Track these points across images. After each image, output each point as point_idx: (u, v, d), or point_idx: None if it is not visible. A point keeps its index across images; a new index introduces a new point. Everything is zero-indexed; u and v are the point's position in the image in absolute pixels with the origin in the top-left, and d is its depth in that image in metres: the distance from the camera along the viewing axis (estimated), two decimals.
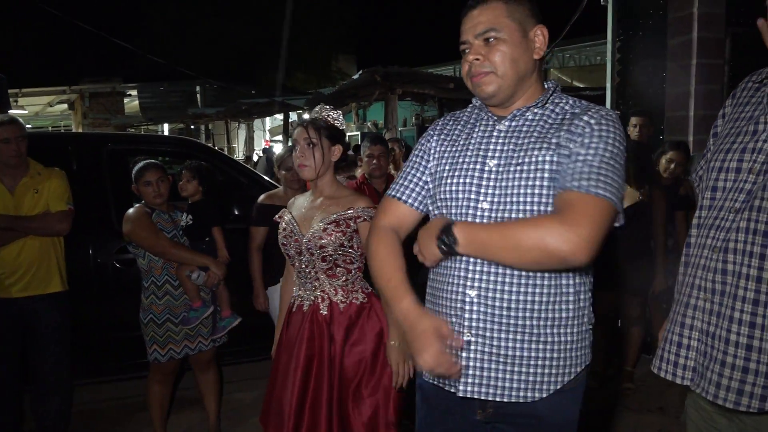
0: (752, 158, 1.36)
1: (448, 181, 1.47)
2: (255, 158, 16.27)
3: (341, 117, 2.35)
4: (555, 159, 1.35)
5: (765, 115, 1.38)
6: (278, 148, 17.16)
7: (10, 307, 2.90)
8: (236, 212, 3.63)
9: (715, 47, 4.87)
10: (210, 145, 19.28)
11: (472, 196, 1.42)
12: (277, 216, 2.39)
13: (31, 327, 2.97)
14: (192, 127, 20.40)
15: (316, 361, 2.17)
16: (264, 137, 21.37)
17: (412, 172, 1.57)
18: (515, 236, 1.29)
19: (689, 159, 4.12)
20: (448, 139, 1.54)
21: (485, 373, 1.42)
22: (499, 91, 1.42)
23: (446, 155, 1.52)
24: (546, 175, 1.36)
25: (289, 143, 14.89)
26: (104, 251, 3.35)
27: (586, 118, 1.37)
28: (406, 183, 1.57)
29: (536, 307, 1.40)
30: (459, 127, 1.56)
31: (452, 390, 1.46)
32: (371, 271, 1.56)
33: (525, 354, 1.40)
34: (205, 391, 3.25)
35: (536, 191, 1.36)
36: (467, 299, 1.42)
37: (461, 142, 1.51)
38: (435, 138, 1.58)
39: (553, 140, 1.38)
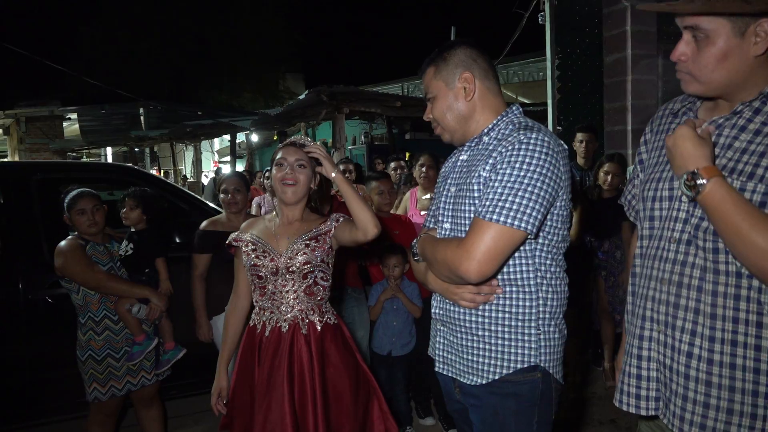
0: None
1: (434, 204, 1.81)
2: (204, 180, 15.97)
3: (321, 149, 2.30)
4: (478, 187, 1.57)
5: None
6: (227, 170, 16.91)
7: None
8: (177, 240, 3.50)
9: (648, 64, 5.05)
10: (155, 168, 18.92)
11: (441, 218, 1.72)
12: (231, 239, 2.28)
13: None
14: (136, 150, 19.88)
15: (297, 380, 2.11)
16: (212, 158, 21.01)
17: (433, 204, 1.87)
18: (435, 252, 1.61)
19: (626, 170, 4.24)
20: (444, 171, 1.83)
21: (448, 356, 1.71)
22: (452, 136, 1.73)
23: (439, 184, 1.82)
24: (470, 201, 1.58)
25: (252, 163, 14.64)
26: (35, 286, 3.16)
27: (500, 147, 1.55)
28: (431, 213, 1.86)
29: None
30: (452, 160, 1.82)
31: (435, 367, 1.76)
32: (414, 274, 1.86)
33: (467, 344, 1.63)
34: (149, 429, 3.10)
35: (468, 215, 1.59)
36: (436, 294, 1.72)
37: (445, 173, 1.80)
38: (442, 171, 1.87)
39: (479, 168, 1.58)
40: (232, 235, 2.30)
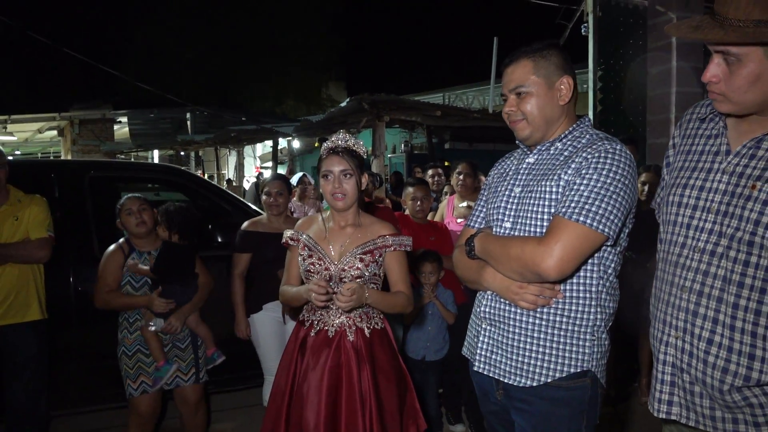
0: (708, 197, 1.41)
1: (489, 205, 1.81)
2: (246, 185, 16.29)
3: (363, 145, 2.31)
4: (557, 189, 1.59)
5: (718, 154, 1.43)
6: (269, 175, 17.19)
7: None
8: (219, 239, 3.62)
9: (693, 76, 4.98)
10: (200, 171, 19.39)
11: (500, 216, 1.73)
12: (288, 237, 2.30)
13: (7, 356, 2.92)
14: (182, 153, 20.44)
15: (346, 387, 2.12)
16: (254, 164, 21.42)
17: (479, 204, 1.91)
18: (507, 248, 1.60)
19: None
20: (499, 172, 1.87)
21: (493, 357, 1.70)
22: (531, 135, 1.71)
23: (493, 185, 1.85)
24: (546, 202, 1.60)
25: (297, 170, 14.90)
26: (85, 279, 3.32)
27: (585, 153, 1.58)
28: (476, 214, 1.91)
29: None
30: (509, 161, 1.87)
31: (474, 367, 1.75)
32: (460, 272, 1.84)
33: (519, 345, 1.63)
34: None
35: (540, 216, 1.61)
36: (487, 294, 1.72)
37: (504, 173, 1.83)
38: (492, 173, 1.91)
39: (558, 171, 1.61)
40: (288, 233, 2.31)
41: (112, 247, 2.99)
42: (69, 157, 16.87)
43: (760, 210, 1.29)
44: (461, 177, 3.98)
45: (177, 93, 16.85)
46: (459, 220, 3.90)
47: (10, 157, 3.13)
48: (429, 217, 3.96)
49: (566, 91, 1.67)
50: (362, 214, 2.31)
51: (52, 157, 20.96)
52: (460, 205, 3.96)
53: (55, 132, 19.57)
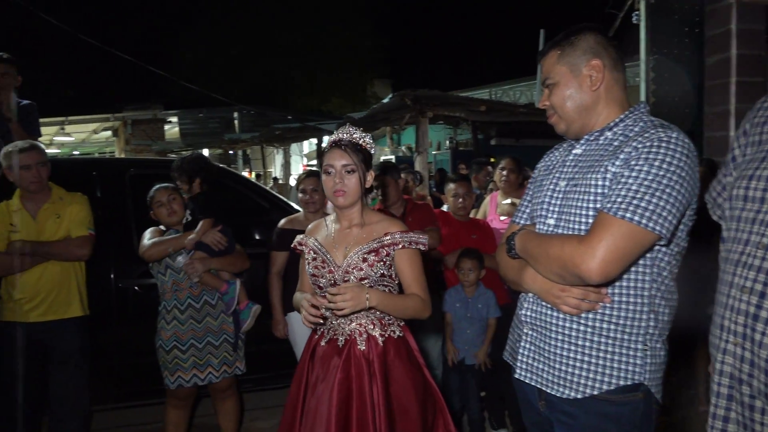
0: None
1: (534, 200, 1.69)
2: (292, 182, 16.44)
3: (371, 139, 2.18)
4: (603, 182, 1.45)
5: None
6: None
7: (30, 331, 2.90)
8: (257, 236, 3.60)
9: (755, 65, 4.67)
10: (247, 170, 19.70)
11: (543, 213, 1.61)
12: (296, 242, 2.22)
13: (51, 351, 2.96)
14: (230, 152, 20.78)
15: (357, 401, 1.96)
16: (301, 162, 21.62)
17: (525, 199, 1.79)
18: (546, 248, 1.47)
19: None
20: (546, 164, 1.74)
21: (535, 364, 1.58)
22: (568, 128, 1.60)
23: (539, 178, 1.72)
24: (592, 197, 1.47)
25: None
26: (126, 276, 3.35)
27: (635, 143, 1.43)
28: (521, 209, 1.79)
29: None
30: (557, 152, 1.74)
31: (515, 374, 1.64)
32: (502, 272, 1.74)
33: (562, 354, 1.50)
34: (223, 421, 3.21)
35: (585, 212, 1.48)
36: (528, 296, 1.61)
37: (550, 166, 1.70)
38: (539, 166, 1.79)
39: (605, 163, 1.46)
40: (298, 238, 2.24)
41: (150, 228, 3.08)
42: (123, 157, 17.39)
43: None
44: (505, 173, 3.86)
45: (225, 93, 17.12)
46: (502, 218, 3.77)
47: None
48: (471, 215, 3.85)
49: (597, 75, 1.53)
50: (369, 212, 2.16)
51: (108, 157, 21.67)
52: (504, 202, 3.83)
53: (109, 132, 20.20)
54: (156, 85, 19.21)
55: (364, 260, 2.02)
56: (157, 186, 3.10)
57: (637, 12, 5.36)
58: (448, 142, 14.92)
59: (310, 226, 2.30)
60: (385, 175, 3.53)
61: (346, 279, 2.03)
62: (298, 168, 21.05)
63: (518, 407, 3.35)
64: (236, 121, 19.50)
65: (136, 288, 3.37)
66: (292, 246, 2.27)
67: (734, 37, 4.68)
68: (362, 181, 2.05)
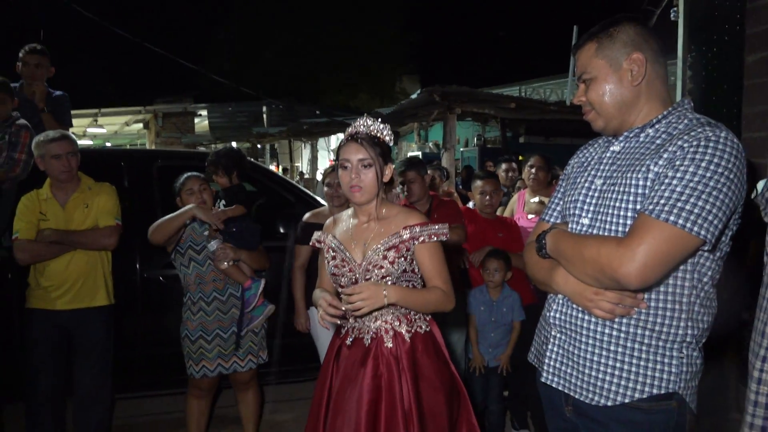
0: None
1: (567, 197, 1.61)
2: (319, 177, 16.51)
3: (390, 132, 2.09)
4: (644, 183, 1.38)
5: None
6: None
7: (56, 319, 2.94)
8: (281, 230, 3.59)
9: None
10: (274, 164, 19.82)
11: (576, 212, 1.54)
12: (315, 240, 2.17)
13: (76, 339, 2.99)
14: (259, 146, 20.96)
15: (386, 401, 1.90)
16: (328, 157, 21.71)
17: (557, 196, 1.72)
18: (581, 248, 1.40)
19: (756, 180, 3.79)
20: (580, 161, 1.66)
21: (562, 368, 1.52)
22: (606, 124, 1.52)
23: (572, 175, 1.64)
24: (632, 197, 1.39)
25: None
26: (151, 266, 3.37)
27: (680, 141, 1.35)
28: (552, 207, 1.72)
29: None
30: (592, 148, 1.66)
31: (542, 377, 1.58)
32: (530, 271, 1.67)
33: (593, 359, 1.45)
34: (244, 412, 3.21)
35: (624, 213, 1.41)
36: (558, 297, 1.55)
37: (585, 163, 1.63)
38: (572, 162, 1.71)
39: (647, 162, 1.39)
40: (316, 235, 2.18)
41: None
42: (150, 148, 17.65)
43: None
44: (533, 170, 3.78)
45: (254, 88, 17.27)
46: (530, 216, 3.70)
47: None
48: (498, 213, 3.78)
49: (638, 70, 1.45)
50: (387, 205, 2.08)
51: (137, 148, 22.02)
52: (532, 201, 3.76)
53: (141, 125, 20.54)
54: (187, 79, 19.46)
55: (385, 257, 1.95)
56: (189, 174, 3.10)
57: (675, 8, 5.21)
58: (475, 139, 14.80)
59: (327, 222, 2.23)
60: (410, 170, 3.49)
61: (367, 278, 1.96)
62: (324, 163, 21.13)
63: (541, 409, 3.29)
64: (264, 115, 19.65)
65: (161, 278, 3.39)
66: (311, 243, 2.22)
67: None
68: (380, 175, 1.98)
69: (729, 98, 4.90)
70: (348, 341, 2.03)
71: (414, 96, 8.94)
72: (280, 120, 18.62)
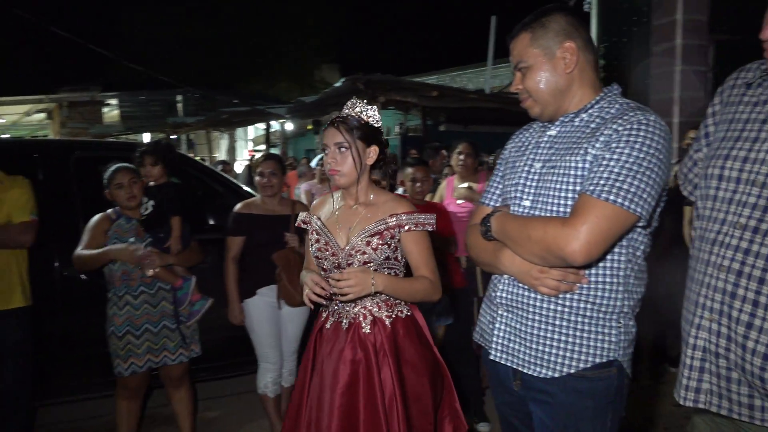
0: (753, 168, 1.29)
1: (506, 181, 1.67)
2: (238, 168, 16.13)
3: (377, 112, 2.07)
4: (583, 165, 1.45)
5: (766, 122, 1.32)
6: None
7: None
8: (211, 222, 3.49)
9: (698, 54, 4.85)
10: (191, 154, 19.16)
11: (518, 194, 1.59)
12: (300, 221, 2.16)
13: None
14: (173, 136, 20.20)
15: (363, 386, 1.90)
16: (246, 147, 21.22)
17: (495, 180, 1.76)
18: (527, 230, 1.46)
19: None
20: (517, 145, 1.72)
21: (510, 345, 1.59)
22: (542, 110, 1.59)
23: (510, 159, 1.70)
24: (571, 179, 1.46)
25: (272, 150, 14.79)
26: (70, 264, 3.17)
27: (614, 125, 1.43)
28: (491, 190, 1.76)
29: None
30: (528, 133, 1.71)
31: (490, 356, 1.63)
32: (474, 254, 1.71)
33: (540, 334, 1.52)
34: (178, 409, 3.11)
35: (564, 194, 1.48)
36: (503, 278, 1.60)
37: (522, 147, 1.68)
38: (509, 146, 1.76)
39: (584, 145, 1.46)
40: (302, 215, 2.17)
41: (98, 215, 2.94)
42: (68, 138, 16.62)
43: None
44: (462, 157, 3.86)
45: (168, 75, 16.56)
46: (459, 201, 3.78)
47: None
48: (427, 198, 3.84)
49: (571, 58, 1.51)
50: (376, 190, 2.07)
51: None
52: (460, 186, 3.84)
53: (43, 115, 19.29)
54: (95, 66, 18.38)
55: (368, 243, 1.95)
56: (118, 166, 2.95)
57: (588, 1, 5.47)
58: (397, 127, 14.93)
59: (315, 202, 2.24)
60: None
61: (349, 263, 1.96)
62: (243, 153, 20.66)
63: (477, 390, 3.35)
64: (179, 105, 18.96)
65: (82, 276, 3.21)
66: (296, 223, 2.20)
67: (679, 27, 4.85)
68: (357, 158, 1.97)
69: (638, 86, 5.21)
70: (327, 325, 2.05)
71: (338, 84, 8.88)
72: (196, 109, 18.04)
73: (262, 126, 18.15)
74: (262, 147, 18.69)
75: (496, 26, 10.60)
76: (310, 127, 14.94)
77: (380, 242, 1.94)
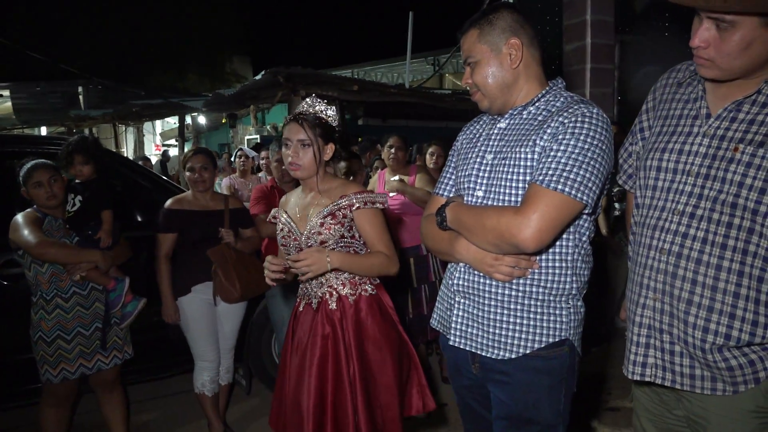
0: (688, 160, 1.42)
1: (459, 172, 1.72)
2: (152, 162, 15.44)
3: (334, 112, 2.23)
4: (532, 156, 1.52)
5: (697, 118, 1.45)
6: (173, 152, 16.33)
7: None
8: (139, 218, 3.36)
9: (607, 53, 5.17)
10: None
11: (471, 185, 1.65)
12: (270, 217, 2.34)
13: None
14: (74, 131, 19.01)
15: (331, 359, 2.07)
16: (155, 141, 20.32)
17: (448, 170, 1.82)
18: (482, 219, 1.52)
19: None
20: (468, 137, 1.78)
21: (469, 330, 1.65)
22: (491, 104, 1.66)
23: (462, 150, 1.76)
24: (521, 170, 1.53)
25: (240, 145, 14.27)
26: None
27: (560, 117, 1.51)
28: (444, 181, 1.82)
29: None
30: (478, 125, 1.78)
31: (449, 341, 1.69)
32: (430, 243, 1.76)
33: (495, 318, 1.59)
34: (111, 415, 2.98)
35: (515, 184, 1.54)
36: (460, 266, 1.66)
37: (473, 138, 1.74)
38: (460, 138, 1.82)
39: (533, 137, 1.53)
40: (273, 212, 2.32)
41: (25, 213, 2.73)
42: None
43: (744, 172, 1.31)
44: (393, 150, 3.93)
45: (69, 64, 15.54)
46: (391, 194, 3.85)
47: None
48: None
49: (516, 53, 1.58)
50: (328, 178, 2.23)
51: None
52: (392, 179, 3.91)
53: None
54: None
55: (322, 224, 2.10)
56: (35, 162, 2.76)
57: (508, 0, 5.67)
58: None
59: (283, 199, 2.36)
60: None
61: (309, 244, 2.10)
62: (151, 148, 19.77)
63: None
64: (81, 97, 17.85)
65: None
66: (267, 219, 2.36)
67: (589, 27, 5.14)
68: (317, 154, 2.13)
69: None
70: (300, 308, 2.23)
71: (258, 77, 8.71)
72: (100, 102, 17.03)
73: (171, 120, 17.45)
74: (172, 141, 17.97)
75: (413, 22, 10.78)
76: (224, 120, 14.53)
77: (333, 222, 2.10)
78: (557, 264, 1.57)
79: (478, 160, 1.66)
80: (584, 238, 1.60)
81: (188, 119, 15.87)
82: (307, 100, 2.22)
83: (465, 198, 1.67)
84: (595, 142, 1.46)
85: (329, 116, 2.19)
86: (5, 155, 3.28)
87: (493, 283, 1.59)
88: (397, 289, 3.63)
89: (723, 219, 1.34)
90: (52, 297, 2.71)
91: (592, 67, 5.13)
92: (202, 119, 15.47)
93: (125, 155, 18.68)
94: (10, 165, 3.17)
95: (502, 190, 1.57)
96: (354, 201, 2.11)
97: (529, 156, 1.53)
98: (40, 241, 2.61)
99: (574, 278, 1.58)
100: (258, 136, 12.85)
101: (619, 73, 5.48)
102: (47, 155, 2.98)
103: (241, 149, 6.26)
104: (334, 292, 2.14)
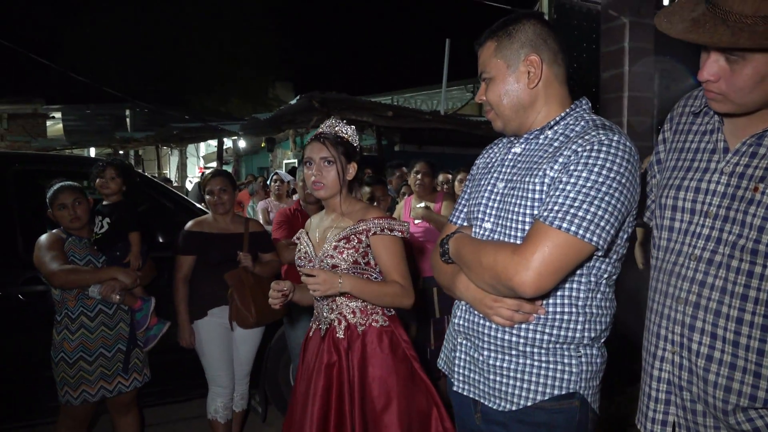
0: (706, 200, 1.28)
1: (471, 200, 1.56)
2: (188, 185, 15.74)
3: (355, 132, 2.21)
4: (540, 187, 1.34)
5: (715, 152, 1.31)
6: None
7: None
8: (161, 239, 3.36)
9: (645, 81, 5.02)
10: (139, 170, 18.62)
11: (480, 215, 1.49)
12: (294, 237, 2.31)
13: None
14: (121, 152, 19.60)
15: (335, 389, 2.00)
16: (198, 164, 20.78)
17: (463, 197, 1.67)
18: (479, 255, 1.35)
19: None
20: (485, 161, 1.62)
21: (470, 375, 1.49)
22: (505, 125, 1.48)
23: (477, 176, 1.60)
24: (529, 203, 1.36)
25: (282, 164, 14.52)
26: (8, 282, 2.99)
27: (574, 146, 1.32)
28: (459, 208, 1.67)
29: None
30: (497, 148, 1.61)
31: (453, 387, 1.54)
32: (435, 275, 1.62)
33: (495, 364, 1.42)
34: None
35: (522, 218, 1.37)
36: (461, 303, 1.50)
37: (489, 164, 1.58)
38: (478, 162, 1.66)
39: (544, 166, 1.36)
40: (299, 233, 2.29)
41: (49, 234, 2.76)
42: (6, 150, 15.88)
43: (764, 215, 1.16)
44: (419, 176, 3.86)
45: (116, 88, 16.10)
46: (417, 222, 3.77)
47: None
48: None
49: (535, 71, 1.40)
50: (351, 201, 2.19)
51: None
52: (418, 206, 3.83)
53: None
54: (38, 77, 17.72)
55: (336, 248, 2.05)
56: (60, 185, 2.78)
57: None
58: None
59: (308, 221, 2.34)
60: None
61: (321, 267, 2.07)
62: (194, 170, 20.21)
63: None
64: (128, 119, 18.42)
65: (20, 296, 3.02)
66: (294, 239, 2.32)
67: (627, 54, 5.02)
68: (341, 173, 2.09)
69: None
70: (311, 333, 2.20)
71: (293, 102, 8.81)
72: (145, 125, 17.53)
73: (214, 143, 17.81)
74: (214, 164, 18.32)
75: (449, 49, 10.78)
76: (263, 145, 14.75)
77: (347, 246, 2.03)
78: (566, 310, 1.37)
79: (489, 188, 1.50)
80: (602, 281, 1.40)
81: (229, 143, 16.17)
82: (327, 121, 2.20)
83: (474, 229, 1.51)
84: (612, 174, 1.25)
85: (349, 135, 2.16)
86: (35, 174, 3.34)
87: (493, 326, 1.41)
88: (420, 321, 3.53)
89: (743, 267, 1.19)
90: (77, 315, 2.69)
91: (630, 96, 5.00)
92: (242, 143, 15.72)
93: (168, 176, 19.18)
94: (40, 183, 3.24)
95: (510, 224, 1.39)
96: (371, 226, 2.04)
97: (537, 188, 1.35)
98: (57, 272, 2.61)
99: (587, 326, 1.38)
100: (296, 161, 12.98)
101: (660, 102, 5.32)
102: (74, 175, 3.02)
103: (276, 173, 6.35)
104: (343, 320, 2.07)
